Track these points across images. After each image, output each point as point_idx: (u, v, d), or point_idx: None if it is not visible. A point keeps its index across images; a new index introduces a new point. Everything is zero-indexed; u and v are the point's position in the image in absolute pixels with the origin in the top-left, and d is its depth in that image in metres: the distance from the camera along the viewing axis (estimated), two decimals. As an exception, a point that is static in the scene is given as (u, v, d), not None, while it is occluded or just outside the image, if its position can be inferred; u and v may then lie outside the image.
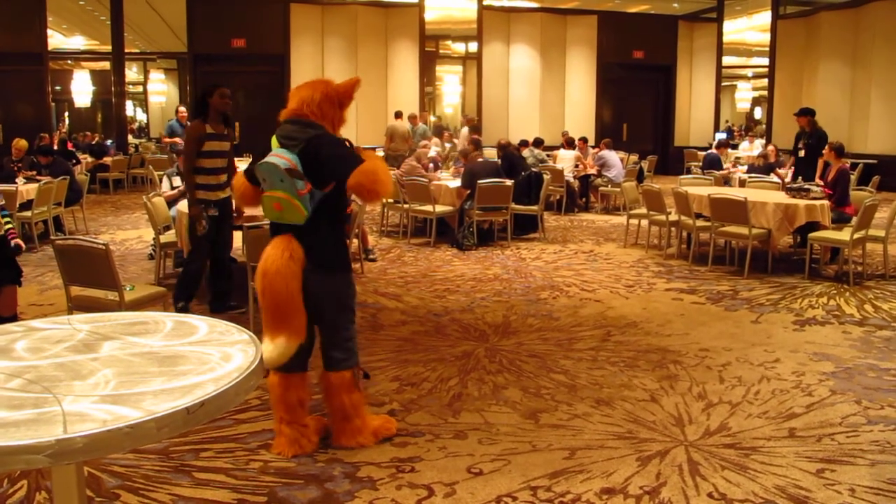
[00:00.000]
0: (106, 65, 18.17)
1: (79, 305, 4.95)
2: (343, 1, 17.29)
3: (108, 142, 17.05)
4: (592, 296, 6.80)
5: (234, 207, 6.03)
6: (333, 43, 17.11)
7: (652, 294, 6.88)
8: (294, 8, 16.81)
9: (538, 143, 13.42)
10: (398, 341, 5.39)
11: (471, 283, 7.23)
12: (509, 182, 9.17)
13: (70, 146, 14.86)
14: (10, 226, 4.75)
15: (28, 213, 8.88)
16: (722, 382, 4.61)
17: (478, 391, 4.44)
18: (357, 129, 16.19)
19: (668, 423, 4.00)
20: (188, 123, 11.65)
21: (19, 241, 4.69)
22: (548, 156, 13.52)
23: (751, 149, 17.16)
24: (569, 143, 13.62)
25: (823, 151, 8.61)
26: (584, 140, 14.01)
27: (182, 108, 12.79)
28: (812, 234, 7.53)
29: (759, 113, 27.81)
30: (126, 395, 1.89)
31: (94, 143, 16.56)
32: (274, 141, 3.55)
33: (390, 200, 10.02)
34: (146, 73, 22.71)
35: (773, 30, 18.35)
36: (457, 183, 9.52)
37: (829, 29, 16.85)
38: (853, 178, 10.71)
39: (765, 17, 19.14)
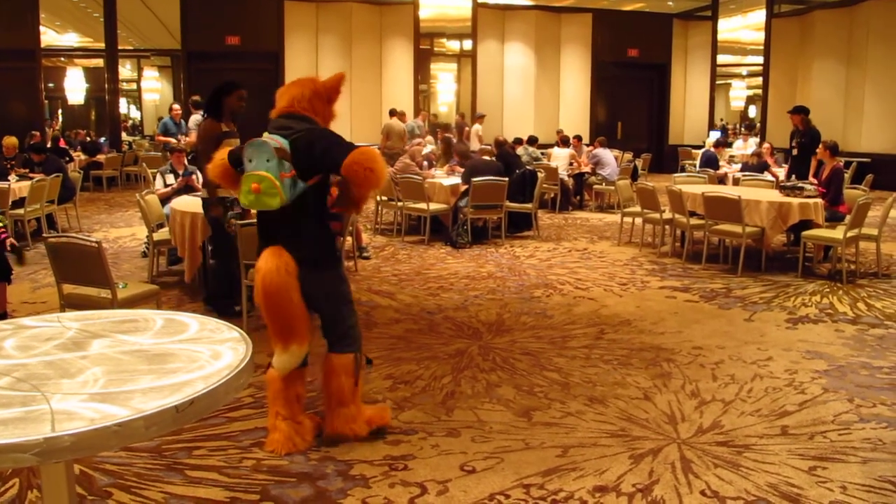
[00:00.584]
0: (99, 62, 18.09)
1: (71, 303, 4.93)
2: (337, -2, 17.27)
3: (102, 139, 17.00)
4: (586, 294, 6.80)
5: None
6: (328, 40, 17.09)
7: (645, 292, 6.88)
8: (288, 5, 16.77)
9: (532, 141, 13.41)
10: (392, 339, 5.39)
11: (465, 281, 7.22)
12: (504, 180, 9.16)
13: (63, 143, 14.82)
14: (1, 224, 4.72)
15: (21, 211, 8.84)
16: (715, 380, 4.61)
17: (471, 389, 4.43)
18: (351, 126, 16.18)
19: (661, 420, 4.00)
20: (182, 121, 11.62)
21: (12, 239, 4.66)
22: (542, 154, 13.51)
23: (745, 147, 17.17)
24: (563, 142, 13.62)
25: (817, 150, 8.62)
26: (578, 138, 14.01)
27: (176, 106, 12.58)
28: (805, 233, 7.54)
29: (753, 111, 27.84)
30: (115, 393, 1.88)
31: (87, 140, 16.50)
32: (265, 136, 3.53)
33: (384, 198, 10.01)
34: (140, 70, 22.62)
35: (768, 28, 18.37)
36: (451, 181, 9.51)
37: (824, 27, 16.89)
38: (846, 176, 10.73)
39: (759, 16, 19.15)
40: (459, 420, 3.99)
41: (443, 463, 3.49)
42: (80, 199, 11.01)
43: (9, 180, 9.15)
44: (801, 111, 9.49)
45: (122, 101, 20.67)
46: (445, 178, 9.97)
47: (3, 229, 4.69)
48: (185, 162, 8.33)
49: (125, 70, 21.40)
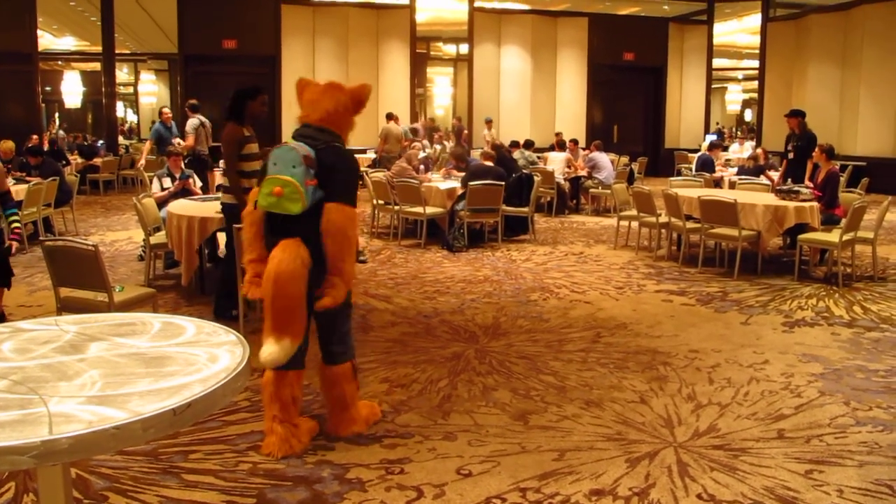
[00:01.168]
0: (96, 65, 18.10)
1: (68, 307, 4.93)
2: (334, 2, 17.29)
3: (99, 142, 16.99)
4: (582, 297, 6.81)
5: None
6: (324, 44, 17.11)
7: (642, 296, 6.89)
8: (285, 9, 16.79)
9: (529, 144, 13.44)
10: (388, 342, 5.39)
11: (461, 285, 7.23)
12: (500, 183, 9.17)
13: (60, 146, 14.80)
14: (16, 224, 4.70)
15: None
16: (711, 384, 4.62)
17: (467, 392, 4.44)
18: (348, 130, 16.15)
19: (657, 424, 4.01)
20: (174, 124, 11.58)
21: (15, 242, 4.63)
22: (538, 157, 13.53)
23: (741, 151, 17.22)
24: (560, 145, 13.64)
25: (813, 154, 8.64)
26: (574, 142, 14.03)
27: (166, 110, 12.18)
28: (801, 236, 7.56)
29: (749, 115, 27.93)
30: (112, 396, 1.88)
31: (84, 143, 16.48)
32: (291, 142, 3.63)
33: (381, 202, 10.02)
34: (137, 73, 22.65)
35: (763, 32, 18.45)
36: (447, 184, 9.52)
37: (819, 31, 16.95)
38: (842, 179, 10.76)
39: (755, 20, 19.24)
40: (456, 423, 3.99)
41: (439, 466, 3.49)
42: (77, 202, 11.00)
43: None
44: (797, 114, 9.51)
45: (119, 105, 20.67)
46: (442, 181, 9.98)
47: (17, 230, 4.66)
48: (182, 165, 8.32)
49: (122, 73, 21.42)
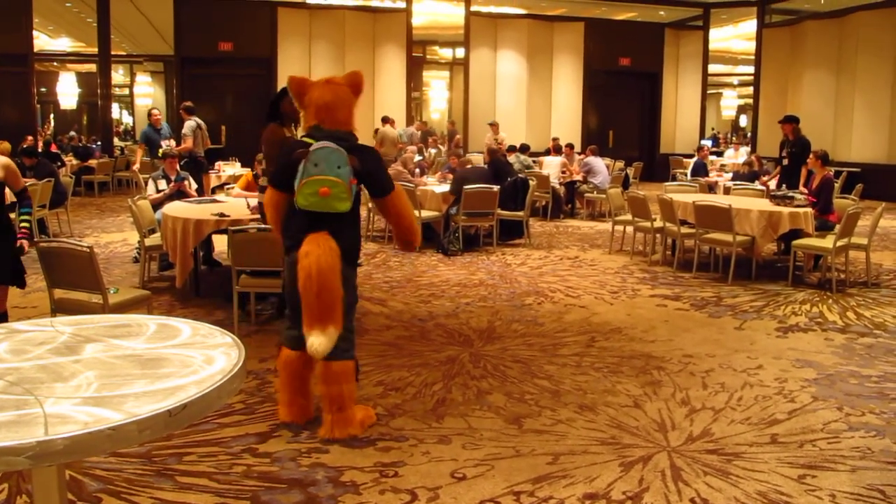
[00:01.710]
0: (92, 67, 18.09)
1: (62, 308, 4.92)
2: (330, 5, 17.30)
3: (96, 143, 16.98)
4: (577, 302, 6.82)
5: None
6: (321, 47, 17.11)
7: (636, 300, 6.91)
8: (282, 11, 16.80)
9: (524, 148, 13.46)
10: (382, 346, 5.39)
11: (456, 289, 7.24)
12: (496, 188, 9.19)
13: (54, 148, 14.78)
14: (26, 225, 4.68)
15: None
16: (705, 388, 4.63)
17: (462, 396, 4.44)
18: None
19: (651, 428, 4.02)
20: (164, 126, 11.50)
21: (25, 242, 4.62)
22: (534, 162, 13.56)
23: (736, 156, 17.29)
24: (555, 150, 13.65)
25: (808, 160, 8.67)
26: (570, 146, 14.06)
27: (156, 111, 11.73)
28: (796, 242, 7.58)
29: (744, 121, 28.01)
30: (108, 397, 1.88)
31: (79, 144, 16.46)
32: (310, 140, 3.76)
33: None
34: (133, 75, 22.63)
35: (759, 38, 18.51)
36: (442, 188, 9.53)
37: (814, 38, 17.02)
38: (836, 186, 10.80)
39: (750, 26, 19.31)
40: (450, 427, 3.99)
41: (433, 470, 3.49)
42: (72, 203, 10.98)
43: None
44: (791, 120, 9.54)
45: (115, 107, 20.64)
46: (437, 185, 9.99)
47: (25, 230, 4.64)
48: (178, 167, 8.32)
49: (118, 75, 21.40)
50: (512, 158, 12.13)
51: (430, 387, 4.59)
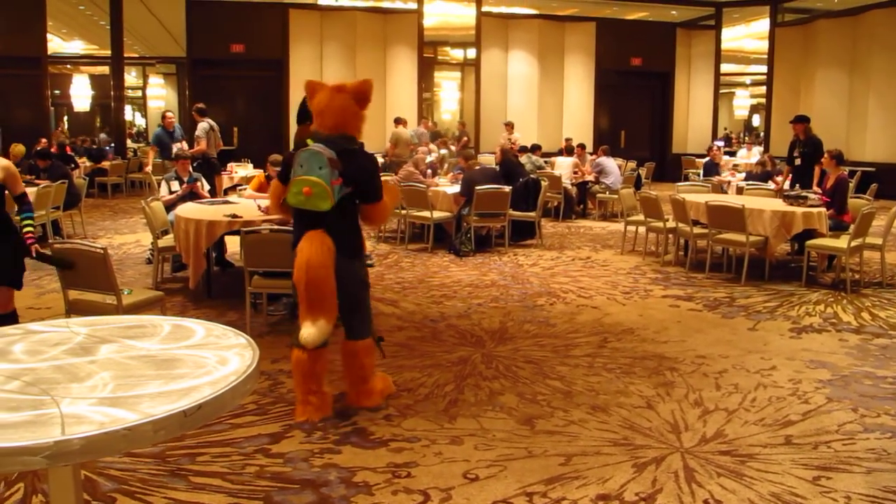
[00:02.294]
0: (105, 69, 18.18)
1: (76, 309, 4.96)
2: (342, 7, 17.33)
3: (109, 145, 17.07)
4: (589, 302, 6.80)
5: None
6: (332, 48, 17.14)
7: (649, 301, 6.89)
8: (293, 13, 16.85)
9: (536, 149, 13.44)
10: (394, 346, 5.39)
11: (468, 290, 7.23)
12: (507, 188, 9.18)
13: (68, 150, 14.86)
14: (29, 228, 4.72)
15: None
16: (718, 389, 4.61)
17: (474, 397, 4.44)
18: (356, 134, 16.17)
19: (664, 429, 4.00)
20: (176, 128, 11.55)
21: (37, 246, 4.67)
22: (546, 162, 13.54)
23: (749, 156, 17.21)
24: (567, 150, 13.62)
25: (822, 160, 8.63)
26: (581, 146, 14.03)
27: (169, 114, 11.82)
28: (809, 242, 7.54)
29: (756, 120, 27.88)
30: (123, 397, 1.89)
31: (92, 146, 16.55)
32: (309, 142, 3.98)
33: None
34: (145, 77, 22.74)
35: (771, 37, 18.42)
36: (454, 189, 9.53)
37: (827, 37, 16.92)
38: (850, 185, 10.74)
39: (763, 25, 19.20)
40: (462, 428, 3.99)
41: (446, 470, 3.49)
42: (85, 205, 11.04)
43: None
44: (803, 120, 9.49)
45: (128, 109, 20.75)
46: (449, 185, 9.99)
47: (30, 234, 4.68)
48: (191, 169, 8.35)
49: (130, 77, 21.50)
50: (523, 159, 12.11)
51: (442, 387, 4.59)
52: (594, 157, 13.50)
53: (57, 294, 5.95)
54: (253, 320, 5.83)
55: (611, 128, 19.66)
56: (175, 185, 7.99)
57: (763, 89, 19.98)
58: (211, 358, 2.19)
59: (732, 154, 18.63)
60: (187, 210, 6.74)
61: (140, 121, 24.55)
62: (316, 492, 3.29)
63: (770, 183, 10.51)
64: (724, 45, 20.11)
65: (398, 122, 14.52)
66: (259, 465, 3.55)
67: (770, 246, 7.63)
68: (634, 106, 20.00)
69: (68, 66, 20.65)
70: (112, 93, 16.52)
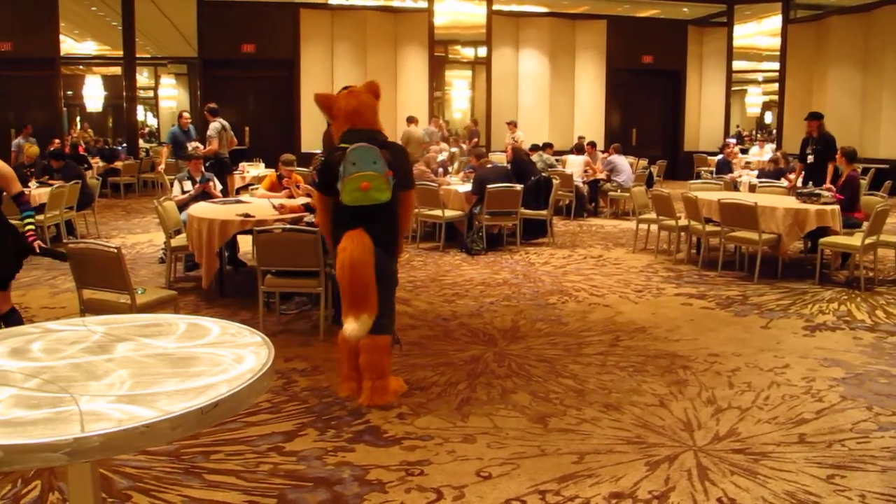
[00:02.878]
0: (117, 70, 18.27)
1: (91, 308, 4.99)
2: (352, 6, 17.35)
3: (122, 145, 17.15)
4: (601, 301, 6.80)
5: None
6: (343, 48, 17.16)
7: (661, 299, 6.88)
8: (304, 13, 16.87)
9: (547, 147, 13.42)
10: (407, 345, 5.40)
11: (480, 288, 7.24)
12: (519, 187, 9.18)
13: (81, 150, 14.95)
14: (31, 227, 4.76)
15: (40, 217, 8.93)
16: (731, 388, 4.60)
17: (486, 395, 4.45)
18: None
19: (676, 428, 4.00)
20: (190, 128, 11.59)
21: (39, 241, 4.71)
22: (557, 160, 13.52)
23: (761, 153, 17.13)
24: (578, 149, 13.60)
25: (836, 157, 8.58)
26: (592, 145, 14.01)
27: (186, 114, 11.86)
28: (823, 240, 7.50)
29: (769, 118, 27.74)
30: (141, 395, 1.91)
31: (105, 147, 16.63)
32: (346, 144, 4.12)
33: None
34: (157, 77, 22.82)
35: (784, 34, 18.32)
36: (466, 188, 9.53)
37: (840, 33, 16.82)
38: (864, 183, 10.67)
39: (775, 22, 19.10)
40: (475, 426, 4.00)
41: (459, 469, 3.50)
42: (98, 205, 11.11)
43: (29, 187, 9.25)
44: (817, 117, 9.45)
45: (140, 109, 20.84)
46: (460, 184, 9.99)
47: (31, 232, 4.72)
48: (203, 169, 8.38)
49: (142, 77, 21.59)
50: (535, 157, 12.09)
51: (455, 386, 4.60)
52: (606, 155, 13.47)
53: (71, 293, 5.99)
54: (266, 319, 5.86)
55: (622, 126, 19.60)
56: (188, 185, 8.03)
57: (775, 86, 19.88)
58: (227, 356, 2.20)
59: (745, 151, 18.54)
60: (200, 210, 6.77)
61: (152, 121, 24.65)
62: (329, 490, 3.30)
63: (783, 180, 10.46)
64: (736, 43, 20.00)
65: (410, 120, 14.52)
66: (273, 462, 3.57)
67: (783, 244, 7.59)
68: (646, 104, 19.93)
69: (81, 67, 20.75)
70: (124, 93, 16.59)
